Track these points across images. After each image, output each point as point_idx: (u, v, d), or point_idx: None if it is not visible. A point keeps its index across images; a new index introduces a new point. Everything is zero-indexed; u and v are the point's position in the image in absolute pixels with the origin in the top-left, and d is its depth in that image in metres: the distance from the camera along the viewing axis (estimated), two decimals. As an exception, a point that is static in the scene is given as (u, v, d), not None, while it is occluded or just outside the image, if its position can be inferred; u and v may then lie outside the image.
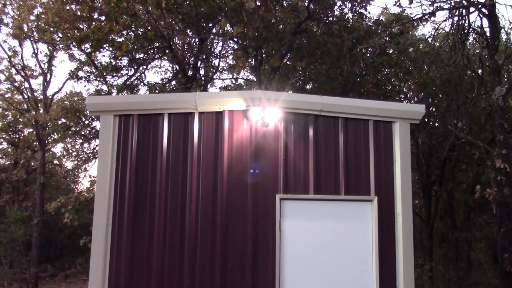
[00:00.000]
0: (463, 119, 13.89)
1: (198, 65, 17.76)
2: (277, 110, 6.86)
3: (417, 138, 16.52)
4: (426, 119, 16.25)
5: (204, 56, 17.40)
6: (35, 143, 25.41)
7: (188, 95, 7.39)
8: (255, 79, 16.18)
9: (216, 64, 19.15)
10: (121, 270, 6.57)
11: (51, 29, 16.80)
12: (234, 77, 19.83)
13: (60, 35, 16.82)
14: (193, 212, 6.66)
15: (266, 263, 6.56)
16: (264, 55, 14.67)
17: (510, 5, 31.83)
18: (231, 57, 19.32)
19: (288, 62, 16.03)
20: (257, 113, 6.85)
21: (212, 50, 18.25)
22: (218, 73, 19.71)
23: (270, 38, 13.68)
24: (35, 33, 19.41)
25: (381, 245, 6.67)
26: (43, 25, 17.40)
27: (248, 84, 18.38)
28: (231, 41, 17.18)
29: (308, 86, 17.61)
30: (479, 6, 11.95)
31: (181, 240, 6.62)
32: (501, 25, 12.48)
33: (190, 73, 17.18)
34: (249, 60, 17.09)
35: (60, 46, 18.34)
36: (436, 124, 17.15)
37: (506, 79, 16.20)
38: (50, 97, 24.63)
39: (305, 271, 6.64)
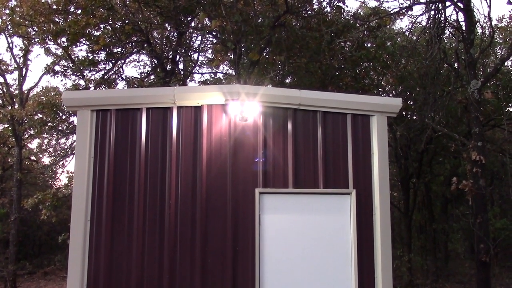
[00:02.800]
0: (440, 112, 14.08)
1: (177, 59, 17.65)
2: (256, 104, 6.86)
3: (395, 131, 16.70)
4: (403, 112, 16.44)
5: (182, 50, 17.29)
6: (11, 139, 24.92)
7: (167, 90, 7.34)
8: (234, 73, 16.14)
9: (195, 58, 19.09)
10: (100, 266, 6.51)
11: (26, 22, 16.47)
12: (213, 71, 19.77)
13: (35, 28, 16.50)
14: (172, 207, 6.64)
15: (246, 257, 6.58)
16: (243, 49, 14.62)
17: (486, -1, 32.25)
18: (210, 51, 19.25)
19: (267, 56, 16.01)
20: (236, 108, 6.84)
21: (191, 44, 18.16)
22: (197, 67, 19.65)
23: (248, 32, 13.62)
24: (9, 27, 18.97)
25: (360, 238, 6.74)
26: (17, 18, 17.04)
27: (227, 78, 18.33)
28: (209, 35, 17.09)
29: (287, 80, 17.64)
30: (455, 0, 12.10)
31: (161, 235, 6.60)
32: (476, 19, 12.69)
33: (168, 67, 17.06)
34: (228, 54, 17.03)
35: (36, 40, 17.97)
36: (414, 117, 17.37)
37: (481, 73, 16.49)
38: (26, 92, 24.15)
39: (285, 265, 6.68)
